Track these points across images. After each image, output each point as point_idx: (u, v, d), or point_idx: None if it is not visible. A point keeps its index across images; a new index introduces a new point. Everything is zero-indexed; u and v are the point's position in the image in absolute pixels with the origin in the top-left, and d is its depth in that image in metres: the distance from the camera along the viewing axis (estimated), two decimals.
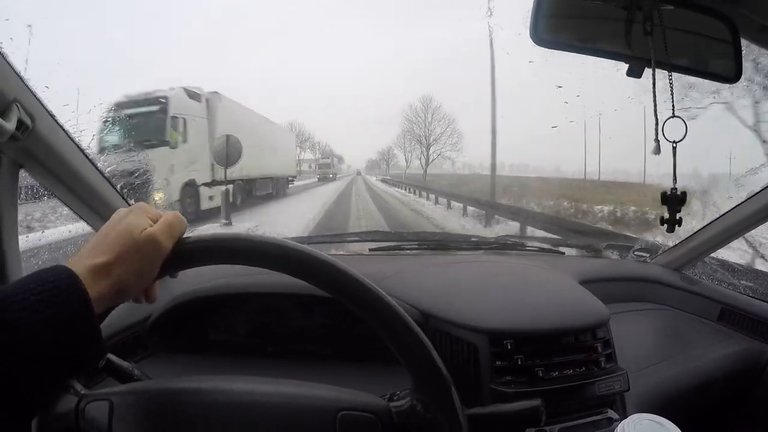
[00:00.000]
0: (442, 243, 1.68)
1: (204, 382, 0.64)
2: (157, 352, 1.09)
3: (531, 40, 0.68)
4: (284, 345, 1.12)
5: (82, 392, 0.63)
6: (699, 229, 1.51)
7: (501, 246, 1.61)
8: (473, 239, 1.68)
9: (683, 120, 0.66)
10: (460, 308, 1.00)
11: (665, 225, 0.72)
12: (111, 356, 0.71)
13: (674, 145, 0.67)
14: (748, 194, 1.40)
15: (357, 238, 1.61)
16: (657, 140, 0.65)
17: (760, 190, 1.35)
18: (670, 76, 0.65)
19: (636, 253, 1.66)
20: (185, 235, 0.58)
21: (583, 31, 0.72)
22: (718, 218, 1.47)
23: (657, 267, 1.63)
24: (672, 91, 0.65)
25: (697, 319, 1.45)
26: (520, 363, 0.92)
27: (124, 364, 0.73)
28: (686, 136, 0.65)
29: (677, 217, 0.71)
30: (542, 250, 1.62)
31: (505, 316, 0.98)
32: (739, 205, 1.41)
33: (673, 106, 0.65)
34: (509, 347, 0.92)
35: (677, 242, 1.58)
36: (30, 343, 0.41)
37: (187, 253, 0.57)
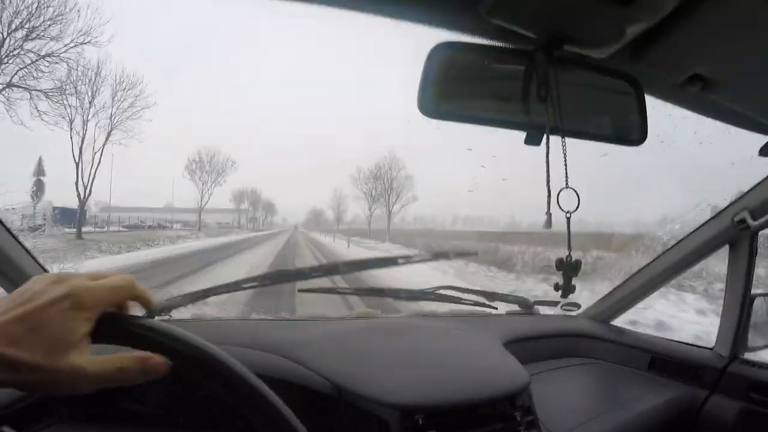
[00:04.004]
0: (375, 290, 1.62)
1: None
2: (63, 421, 1.00)
3: (418, 111, 0.63)
4: (197, 416, 1.03)
5: None
6: (625, 280, 1.54)
7: (437, 297, 1.57)
8: (405, 291, 1.63)
9: (575, 191, 0.63)
10: (371, 381, 0.95)
11: (559, 291, 0.71)
12: (5, 429, 0.69)
13: (568, 215, 0.65)
14: (671, 244, 1.44)
15: (260, 282, 1.52)
16: (549, 213, 0.62)
17: (683, 239, 1.39)
18: (564, 143, 0.63)
19: (563, 307, 1.66)
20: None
21: (477, 100, 0.69)
22: (643, 268, 1.50)
23: (585, 320, 1.63)
24: (565, 160, 0.63)
25: (629, 370, 1.45)
26: None
27: None
28: (579, 208, 0.63)
29: (571, 284, 0.70)
30: (477, 303, 1.59)
31: (417, 389, 0.93)
32: (662, 254, 1.44)
33: (566, 176, 0.63)
34: (421, 422, 0.87)
35: (604, 294, 1.60)
36: None
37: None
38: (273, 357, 1.02)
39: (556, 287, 0.72)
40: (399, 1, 0.61)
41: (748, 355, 1.30)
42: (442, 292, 1.59)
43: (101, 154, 18.63)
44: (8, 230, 1.03)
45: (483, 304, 1.58)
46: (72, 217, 18.53)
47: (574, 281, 0.71)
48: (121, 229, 26.35)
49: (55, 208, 16.76)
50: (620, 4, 0.54)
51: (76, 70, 16.82)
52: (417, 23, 0.62)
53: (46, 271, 1.11)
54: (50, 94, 15.69)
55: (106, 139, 18.84)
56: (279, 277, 1.37)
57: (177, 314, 1.22)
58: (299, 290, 1.50)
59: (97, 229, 23.10)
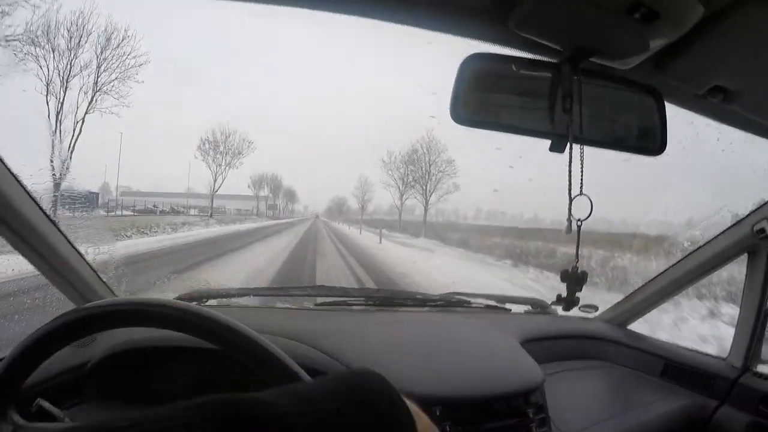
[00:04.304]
0: (387, 299, 1.64)
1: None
2: (93, 399, 1.05)
3: (451, 118, 0.65)
4: None
5: (19, 423, 0.68)
6: (643, 284, 1.53)
7: (447, 303, 1.60)
8: (419, 296, 1.67)
9: (589, 198, 0.65)
10: (391, 372, 0.97)
11: (562, 303, 0.70)
12: (42, 401, 0.76)
13: (579, 223, 0.66)
14: (691, 250, 1.43)
15: (303, 292, 1.58)
16: (569, 219, 0.64)
17: (702, 245, 1.38)
18: (582, 152, 0.64)
19: (581, 308, 1.66)
20: None
21: (505, 109, 0.71)
22: (661, 273, 1.49)
23: (601, 323, 1.63)
24: (582, 168, 0.64)
25: (641, 375, 1.45)
26: (448, 429, 0.89)
27: (54, 410, 0.78)
28: (591, 215, 0.64)
29: (575, 297, 0.69)
30: (488, 307, 1.61)
31: (435, 381, 0.95)
32: (681, 260, 1.44)
33: (581, 184, 0.64)
34: (438, 413, 0.89)
35: (622, 297, 1.59)
36: None
37: None
38: (298, 345, 1.06)
39: (558, 299, 0.71)
40: (435, 14, 0.64)
41: (762, 368, 1.28)
42: (451, 297, 1.61)
43: (82, 124, 14.94)
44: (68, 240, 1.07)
45: (494, 308, 1.60)
46: (92, 202, 17.59)
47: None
48: (125, 213, 23.64)
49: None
50: (644, 20, 0.55)
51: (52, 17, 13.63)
52: (451, 34, 0.66)
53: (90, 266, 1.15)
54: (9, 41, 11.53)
55: (90, 103, 15.31)
56: (325, 293, 1.54)
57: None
58: (316, 305, 1.54)
59: (100, 215, 19.13)
